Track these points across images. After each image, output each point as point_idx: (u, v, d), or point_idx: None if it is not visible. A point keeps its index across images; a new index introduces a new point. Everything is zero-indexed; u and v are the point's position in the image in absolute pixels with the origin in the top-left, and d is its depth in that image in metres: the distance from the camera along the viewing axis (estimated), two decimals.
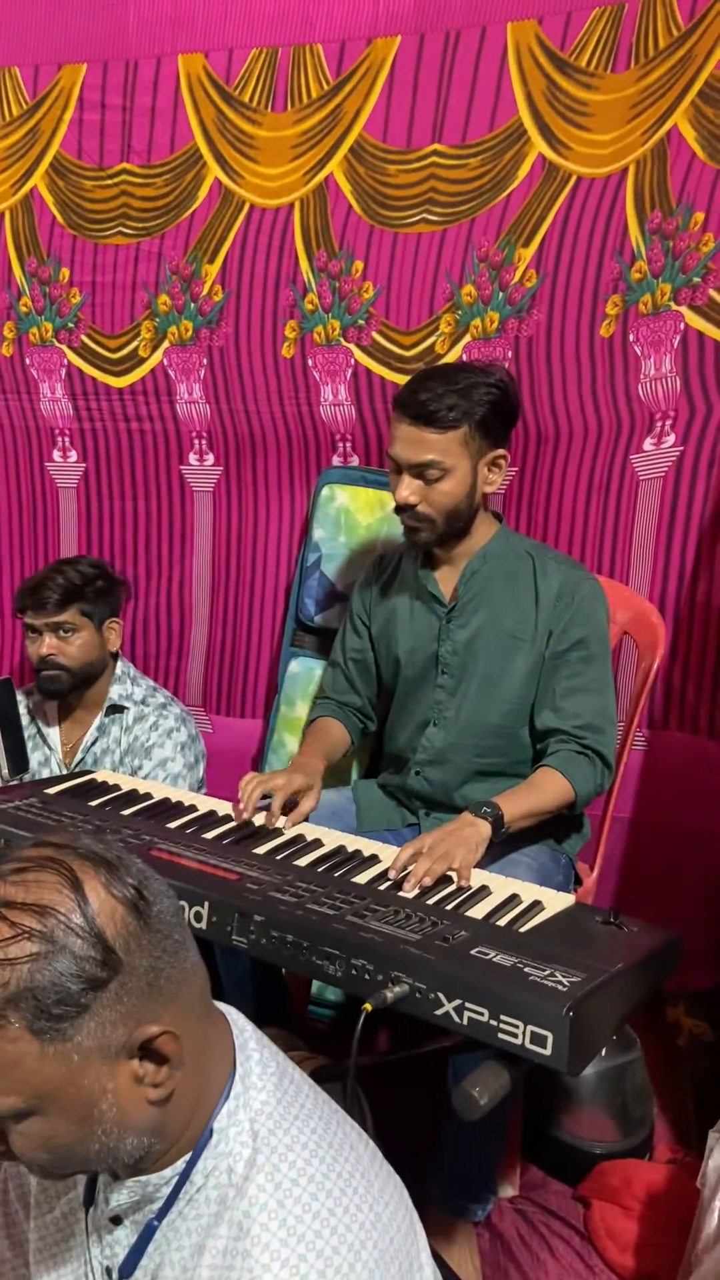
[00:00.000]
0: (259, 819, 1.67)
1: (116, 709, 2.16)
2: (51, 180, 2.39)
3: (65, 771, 2.14)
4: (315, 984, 2.02)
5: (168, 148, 2.30)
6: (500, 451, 1.75)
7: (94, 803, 1.76)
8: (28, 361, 2.49)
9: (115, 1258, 0.90)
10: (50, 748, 2.18)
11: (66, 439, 2.53)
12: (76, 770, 2.10)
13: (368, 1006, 1.19)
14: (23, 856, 0.82)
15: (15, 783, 1.94)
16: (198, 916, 1.39)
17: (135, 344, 2.41)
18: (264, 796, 1.68)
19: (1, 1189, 1.04)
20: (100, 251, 2.39)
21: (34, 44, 2.33)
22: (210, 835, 1.63)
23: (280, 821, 1.67)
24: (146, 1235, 0.87)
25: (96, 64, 2.29)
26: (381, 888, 1.46)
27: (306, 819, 1.71)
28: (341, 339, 2.26)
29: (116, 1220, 0.89)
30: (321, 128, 2.19)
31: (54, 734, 2.19)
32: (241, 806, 1.67)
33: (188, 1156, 0.85)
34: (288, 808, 1.69)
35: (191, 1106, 0.84)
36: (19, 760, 1.99)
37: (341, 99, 2.16)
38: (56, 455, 2.55)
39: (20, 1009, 0.75)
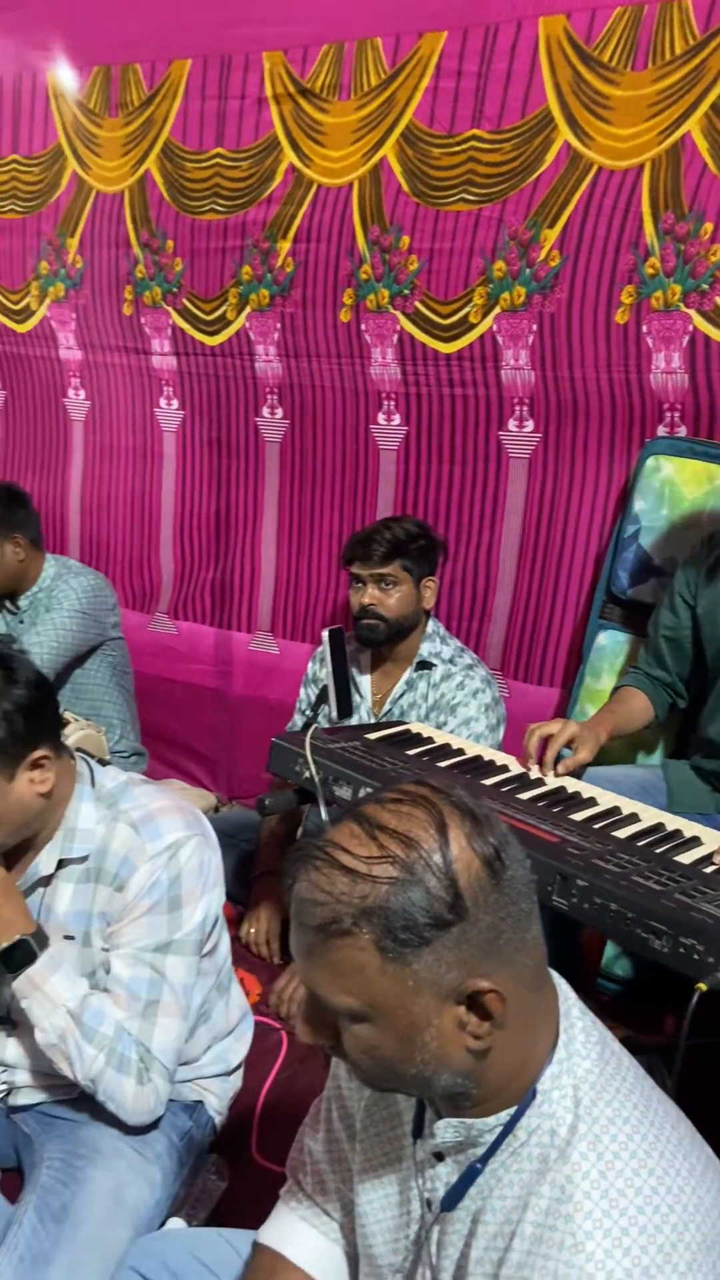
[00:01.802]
0: (534, 771, 1.75)
1: (425, 665, 2.24)
2: (401, 149, 2.45)
3: (374, 720, 2.26)
4: (605, 957, 2.02)
5: (519, 112, 2.29)
6: None
7: (411, 752, 1.85)
8: (363, 327, 2.60)
9: (436, 1192, 0.95)
10: (361, 695, 2.30)
11: (392, 403, 2.62)
12: (385, 720, 2.21)
13: (702, 986, 1.18)
14: (402, 789, 0.88)
15: (339, 725, 2.07)
16: None
17: (467, 310, 2.44)
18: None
19: (326, 1110, 1.12)
20: (441, 218, 2.43)
21: (397, 13, 2.39)
22: (525, 796, 1.67)
23: (550, 775, 1.74)
24: (469, 1176, 0.91)
25: (457, 31, 2.31)
26: (707, 870, 1.43)
27: (581, 773, 1.77)
28: (681, 304, 2.18)
29: (439, 1156, 0.94)
30: (683, 84, 2.10)
31: (365, 682, 2.31)
32: (523, 755, 1.76)
33: (512, 1110, 0.88)
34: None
35: (514, 1067, 0.87)
36: (345, 705, 2.12)
37: (708, 54, 2.06)
38: (381, 418, 2.64)
39: (372, 922, 0.81)
